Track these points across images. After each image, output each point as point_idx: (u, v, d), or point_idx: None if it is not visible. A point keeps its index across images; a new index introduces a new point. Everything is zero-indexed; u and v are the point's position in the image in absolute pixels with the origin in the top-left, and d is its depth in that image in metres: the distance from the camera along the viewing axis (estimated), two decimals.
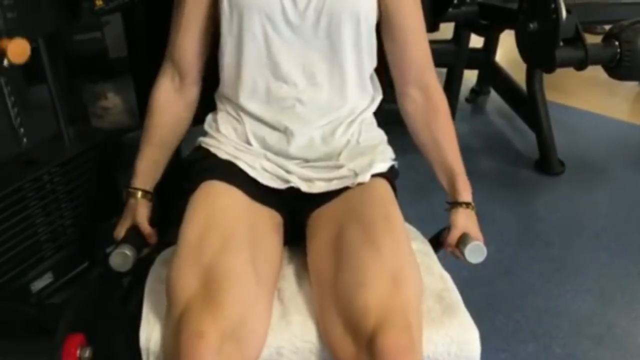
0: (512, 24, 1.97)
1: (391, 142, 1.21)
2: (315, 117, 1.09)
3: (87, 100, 2.05)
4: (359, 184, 1.06)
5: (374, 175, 1.08)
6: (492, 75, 2.83)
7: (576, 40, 1.81)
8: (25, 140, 1.39)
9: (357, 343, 0.85)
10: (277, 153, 1.10)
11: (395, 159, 1.17)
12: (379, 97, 1.20)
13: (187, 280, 0.88)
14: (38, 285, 1.51)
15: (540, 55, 1.89)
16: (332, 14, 1.04)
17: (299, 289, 1.01)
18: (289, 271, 1.06)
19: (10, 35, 1.14)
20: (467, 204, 1.14)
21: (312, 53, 1.07)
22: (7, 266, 1.36)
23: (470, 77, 2.91)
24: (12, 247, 1.36)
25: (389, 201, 1.05)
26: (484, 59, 2.81)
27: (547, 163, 2.44)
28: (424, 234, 1.24)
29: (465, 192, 1.15)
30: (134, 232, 1.14)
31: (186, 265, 0.90)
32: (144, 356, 0.89)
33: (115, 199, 1.30)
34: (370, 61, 1.14)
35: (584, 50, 1.82)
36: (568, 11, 1.72)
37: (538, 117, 2.40)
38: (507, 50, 2.75)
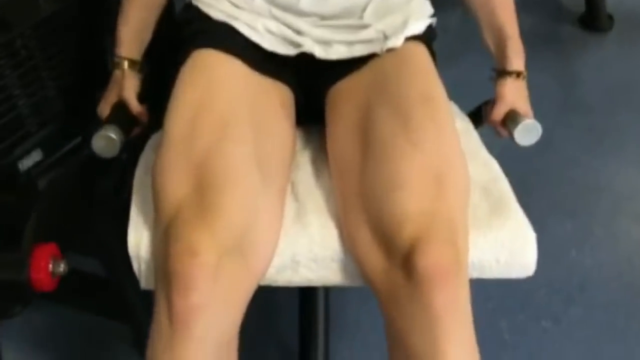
0: None
1: None
2: None
3: None
4: (389, 50, 0.85)
5: (408, 39, 0.87)
6: None
7: None
8: None
9: (390, 256, 0.69)
10: (285, 8, 0.87)
11: (434, 15, 0.95)
12: None
13: (175, 181, 0.71)
14: (26, 163, 1.38)
15: None
16: None
17: (317, 181, 0.84)
18: (303, 159, 0.88)
19: None
20: (518, 74, 0.94)
21: None
22: None
23: None
24: None
25: (429, 74, 0.84)
26: None
27: (593, 17, 2.15)
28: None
29: (516, 59, 0.94)
30: (121, 110, 0.96)
31: (174, 161, 0.72)
32: (134, 263, 0.75)
33: (104, 64, 1.11)
34: None
35: None
36: None
37: None
38: None
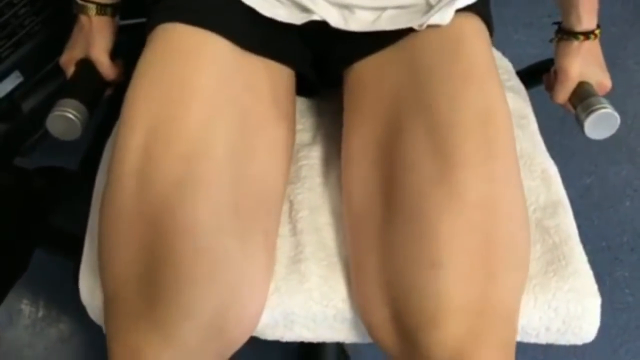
0: None
1: None
2: None
3: None
4: (431, 27, 0.61)
5: (459, 10, 0.62)
6: None
7: None
8: None
9: (415, 353, 0.52)
10: None
11: None
12: None
13: (119, 244, 0.52)
14: (6, 87, 1.22)
15: None
16: None
17: (322, 202, 0.64)
18: (308, 160, 0.68)
19: None
20: (588, 34, 0.69)
21: None
22: None
23: None
24: None
25: (489, 74, 0.60)
26: None
27: None
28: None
29: (588, 16, 0.68)
30: (87, 70, 0.76)
31: (118, 211, 0.53)
32: (88, 310, 0.60)
33: None
34: None
35: None
36: None
37: None
38: None
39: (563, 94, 0.71)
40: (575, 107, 0.71)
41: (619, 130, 0.69)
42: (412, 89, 0.59)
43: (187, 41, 0.60)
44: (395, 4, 0.62)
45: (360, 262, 0.57)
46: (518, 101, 0.77)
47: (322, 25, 0.63)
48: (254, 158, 0.58)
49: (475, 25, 0.63)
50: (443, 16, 0.60)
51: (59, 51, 1.10)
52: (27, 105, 1.18)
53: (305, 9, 0.63)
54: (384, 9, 0.63)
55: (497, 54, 0.83)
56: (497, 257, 0.52)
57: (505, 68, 0.83)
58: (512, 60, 0.85)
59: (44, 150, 0.98)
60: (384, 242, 0.55)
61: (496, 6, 0.71)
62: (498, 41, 0.75)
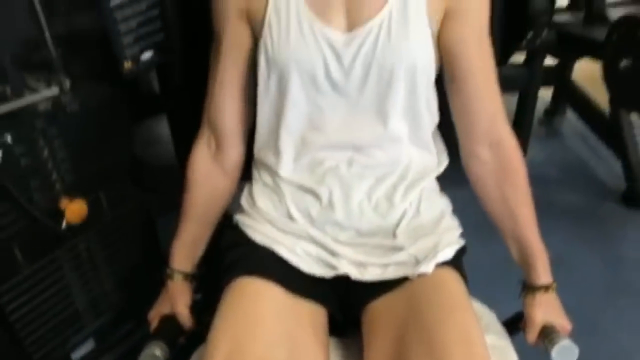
0: (598, 56, 1.74)
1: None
2: (365, 183, 0.94)
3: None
4: (421, 275, 0.90)
5: (439, 264, 0.91)
6: (569, 93, 2.58)
7: None
8: None
9: None
10: (324, 223, 0.94)
11: (462, 235, 1.00)
12: (445, 161, 1.02)
13: None
14: (79, 353, 1.44)
15: (633, 96, 1.67)
16: (383, 68, 0.88)
17: None
18: None
19: (69, 194, 1.14)
20: (547, 287, 0.96)
21: (358, 115, 0.92)
22: (47, 337, 1.29)
23: (543, 95, 2.66)
24: (50, 318, 1.28)
25: (466, 309, 0.87)
26: (559, 76, 2.57)
27: (636, 195, 2.18)
28: (495, 288, 1.05)
29: (544, 274, 0.97)
30: (170, 322, 1.02)
31: None
32: None
33: (158, 258, 1.20)
34: (431, 119, 0.97)
35: None
36: None
37: (623, 140, 2.16)
38: (585, 64, 2.50)
39: (532, 335, 0.96)
40: (543, 341, 0.95)
41: None
42: (412, 320, 0.85)
43: (254, 289, 0.89)
44: (395, 261, 0.92)
45: None
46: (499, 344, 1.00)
47: (345, 277, 0.92)
48: None
49: (451, 275, 0.92)
50: (426, 268, 0.90)
51: (130, 319, 1.39)
52: None
53: (334, 267, 0.92)
54: (387, 265, 0.92)
55: (483, 309, 1.08)
56: None
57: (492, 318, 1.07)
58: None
59: None
60: None
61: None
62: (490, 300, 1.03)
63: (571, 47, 1.88)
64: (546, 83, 2.58)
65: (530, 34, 1.55)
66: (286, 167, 0.96)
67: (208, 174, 1.02)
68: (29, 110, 1.03)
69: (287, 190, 0.97)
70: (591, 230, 2.07)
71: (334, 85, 0.90)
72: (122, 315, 1.47)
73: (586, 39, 1.89)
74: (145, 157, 2.03)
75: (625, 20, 1.79)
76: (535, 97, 2.11)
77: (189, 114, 1.09)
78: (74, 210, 1.13)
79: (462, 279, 0.93)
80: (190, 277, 1.03)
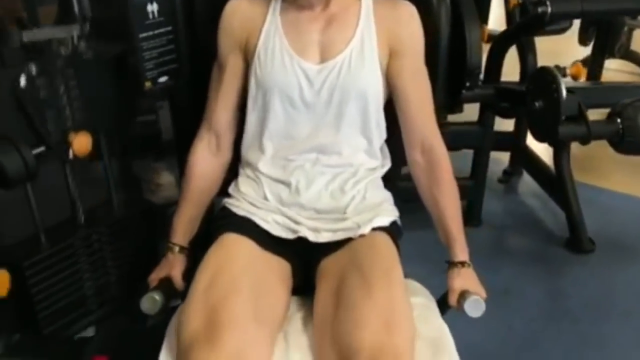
0: (522, 103, 2.10)
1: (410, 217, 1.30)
2: (324, 177, 1.24)
3: (142, 176, 2.26)
4: (362, 236, 1.18)
5: (376, 229, 1.19)
6: (524, 158, 2.92)
7: (579, 117, 1.95)
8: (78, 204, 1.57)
9: None
10: (290, 205, 1.22)
11: (399, 217, 1.28)
12: (388, 164, 1.33)
13: (193, 320, 1.01)
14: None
15: (546, 130, 2.01)
16: (343, 92, 1.20)
17: (304, 331, 1.11)
18: (297, 316, 1.16)
19: (77, 129, 1.37)
20: (463, 263, 1.22)
21: (323, 127, 1.23)
22: (57, 315, 1.53)
23: (502, 158, 3.01)
24: (62, 297, 1.53)
25: (390, 256, 1.15)
26: (515, 142, 2.91)
27: (577, 241, 2.45)
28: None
29: (461, 253, 1.23)
30: (167, 283, 1.27)
31: (194, 308, 1.03)
32: None
33: (155, 263, 1.45)
34: (379, 133, 1.28)
35: (586, 126, 1.95)
36: (570, 91, 1.86)
37: (567, 195, 2.45)
38: None
39: (452, 298, 1.22)
40: (460, 303, 1.21)
41: None
42: (352, 262, 1.13)
43: (233, 240, 1.18)
44: (342, 227, 1.20)
45: (322, 339, 1.04)
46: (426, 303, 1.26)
47: (305, 240, 1.19)
48: (266, 295, 1.09)
49: (384, 237, 1.20)
50: (364, 229, 1.18)
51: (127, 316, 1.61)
52: None
53: (295, 231, 1.21)
54: (336, 230, 1.20)
55: (416, 284, 1.34)
56: (391, 327, 0.99)
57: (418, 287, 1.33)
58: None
59: None
60: (333, 325, 1.02)
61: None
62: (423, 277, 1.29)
63: (508, 99, 2.24)
64: (504, 148, 2.94)
65: (467, 84, 1.91)
66: (265, 164, 1.26)
67: (206, 167, 1.32)
68: (52, 50, 1.31)
69: (264, 180, 1.26)
70: (537, 269, 2.33)
71: (306, 104, 1.22)
72: (120, 308, 1.69)
73: (516, 91, 2.28)
74: None
75: (539, 71, 2.19)
76: (488, 152, 2.43)
77: (193, 126, 1.40)
78: (81, 142, 1.36)
79: (395, 247, 1.20)
80: (185, 250, 1.30)
